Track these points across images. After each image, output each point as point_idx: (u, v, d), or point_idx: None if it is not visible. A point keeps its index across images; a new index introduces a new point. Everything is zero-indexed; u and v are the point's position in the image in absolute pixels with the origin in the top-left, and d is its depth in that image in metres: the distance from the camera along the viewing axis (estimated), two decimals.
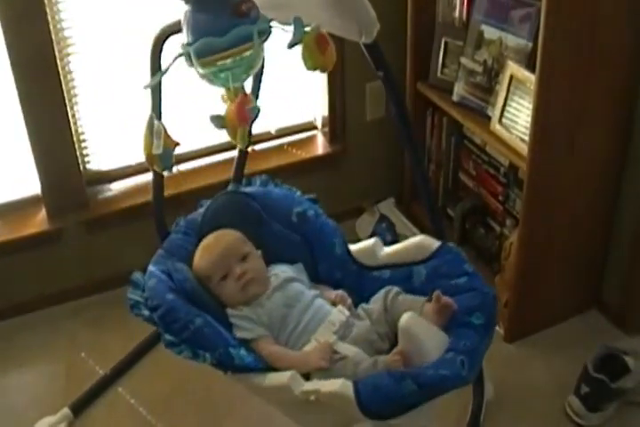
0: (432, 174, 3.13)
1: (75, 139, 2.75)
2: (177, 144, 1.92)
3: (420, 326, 1.82)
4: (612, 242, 2.75)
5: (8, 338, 2.83)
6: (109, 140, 2.85)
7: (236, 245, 2.06)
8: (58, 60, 2.58)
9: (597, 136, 2.49)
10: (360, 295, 2.08)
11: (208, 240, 2.09)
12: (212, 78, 1.85)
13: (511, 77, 2.52)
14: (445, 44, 2.82)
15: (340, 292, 2.06)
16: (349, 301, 2.04)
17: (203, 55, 1.79)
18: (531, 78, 2.39)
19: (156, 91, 2.08)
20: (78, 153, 2.79)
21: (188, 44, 1.82)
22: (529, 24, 2.46)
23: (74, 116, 2.73)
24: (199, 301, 1.97)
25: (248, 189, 2.24)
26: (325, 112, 3.13)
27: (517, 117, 2.52)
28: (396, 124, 2.13)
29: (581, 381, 2.45)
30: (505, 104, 2.56)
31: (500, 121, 2.58)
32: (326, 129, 3.17)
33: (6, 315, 2.89)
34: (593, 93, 2.39)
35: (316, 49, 1.83)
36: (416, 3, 2.84)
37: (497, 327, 2.77)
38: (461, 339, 1.83)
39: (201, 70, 1.82)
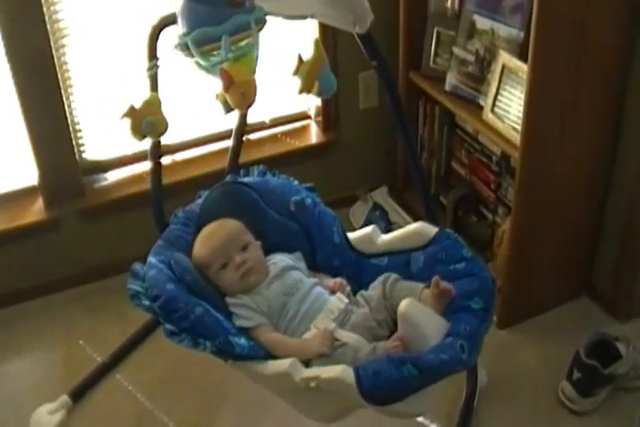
0: (425, 163, 3.14)
1: (70, 129, 2.76)
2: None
3: (420, 312, 1.81)
4: (602, 229, 2.77)
5: (7, 326, 2.85)
6: (105, 129, 2.86)
7: (237, 234, 2.07)
8: (54, 51, 2.59)
9: (589, 125, 2.51)
10: (359, 283, 2.08)
11: (209, 228, 2.10)
12: (208, 68, 1.87)
13: (503, 67, 2.53)
14: (438, 33, 2.83)
15: (338, 280, 2.06)
16: (348, 288, 2.04)
17: (200, 45, 1.80)
18: (523, 68, 2.41)
19: (154, 79, 2.09)
20: (74, 143, 2.80)
21: (185, 35, 1.84)
22: (521, 14, 2.48)
23: (69, 106, 2.74)
24: (199, 290, 1.97)
25: (246, 179, 2.25)
26: (319, 101, 3.15)
27: (509, 107, 2.54)
28: (389, 113, 2.15)
29: (573, 366, 2.47)
30: (497, 93, 2.57)
31: (492, 110, 2.60)
32: (320, 118, 3.19)
33: (4, 303, 2.91)
34: (584, 82, 2.41)
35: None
36: None
37: None
38: (461, 323, 1.83)
39: (198, 60, 1.84)
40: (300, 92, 1.95)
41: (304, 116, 3.23)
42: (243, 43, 1.83)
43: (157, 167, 2.29)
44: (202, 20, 1.82)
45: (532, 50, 2.29)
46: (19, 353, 2.79)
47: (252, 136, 3.08)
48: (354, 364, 1.76)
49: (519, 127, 2.45)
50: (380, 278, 2.01)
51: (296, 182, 2.26)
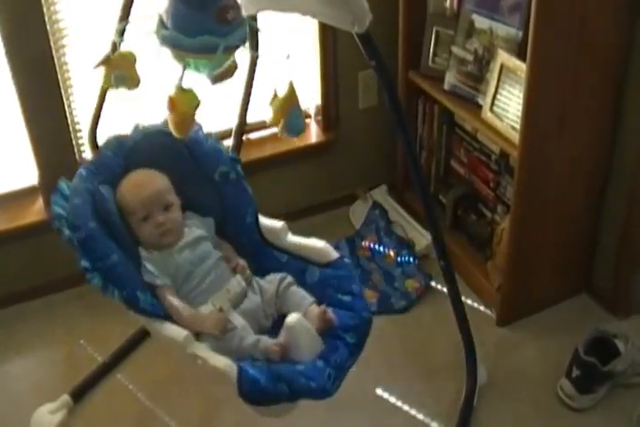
0: (424, 162, 3.15)
1: (70, 128, 2.77)
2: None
3: (303, 330, 1.98)
4: (601, 227, 2.78)
5: (7, 326, 2.85)
6: (105, 129, 2.85)
7: (164, 192, 2.18)
8: (53, 52, 2.60)
9: (587, 124, 2.52)
10: (257, 266, 2.23)
11: (139, 176, 2.20)
12: (182, 62, 1.91)
13: (502, 66, 2.54)
14: (437, 33, 2.84)
15: (242, 262, 2.20)
16: (248, 272, 2.18)
17: (171, 46, 1.85)
18: (521, 67, 2.42)
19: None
20: (74, 143, 2.81)
21: (164, 27, 1.87)
22: (519, 13, 2.48)
23: (69, 106, 2.74)
24: (117, 234, 2.10)
25: None
26: (319, 101, 3.15)
27: (508, 105, 2.55)
28: (388, 112, 2.15)
29: (573, 364, 2.48)
30: (496, 92, 2.58)
31: (491, 109, 2.60)
32: (319, 117, 3.20)
33: (5, 303, 2.91)
34: (583, 82, 2.42)
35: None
36: None
37: (489, 311, 2.82)
38: (334, 352, 1.99)
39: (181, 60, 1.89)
40: (270, 124, 2.11)
41: (304, 115, 3.23)
42: (207, 61, 1.88)
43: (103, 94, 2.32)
44: (179, 25, 1.87)
45: (530, 49, 2.30)
46: (19, 353, 2.79)
47: (252, 135, 3.08)
48: (237, 351, 1.96)
49: (518, 126, 2.45)
50: (278, 277, 2.16)
51: (224, 150, 2.34)
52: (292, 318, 1.98)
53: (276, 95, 2.06)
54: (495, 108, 2.59)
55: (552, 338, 2.74)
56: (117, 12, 2.12)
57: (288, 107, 2.10)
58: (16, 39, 2.53)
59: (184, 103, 1.94)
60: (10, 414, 2.57)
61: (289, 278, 2.15)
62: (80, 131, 2.82)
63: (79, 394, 2.58)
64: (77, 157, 2.84)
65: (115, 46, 2.12)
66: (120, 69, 2.06)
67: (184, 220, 2.21)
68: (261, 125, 3.11)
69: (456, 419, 2.47)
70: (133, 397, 2.61)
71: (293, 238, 2.26)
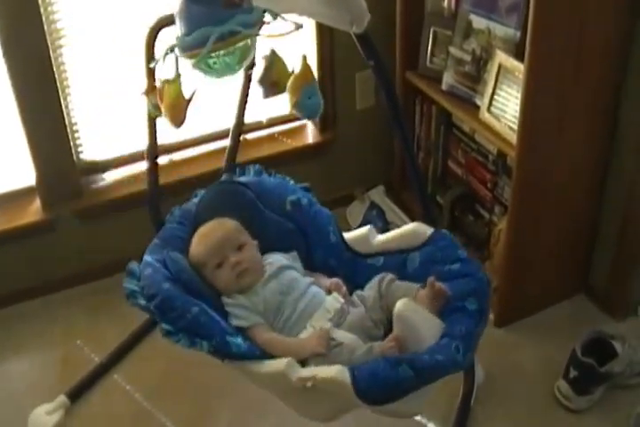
0: (421, 162, 3.14)
1: (68, 129, 2.77)
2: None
3: (415, 313, 1.83)
4: (599, 228, 2.78)
5: (4, 326, 2.85)
6: (102, 130, 2.86)
7: (234, 233, 2.08)
8: (51, 52, 2.59)
9: (585, 124, 2.51)
10: (355, 283, 2.09)
11: (206, 227, 2.10)
12: (205, 69, 1.88)
13: (499, 66, 2.54)
14: (434, 33, 2.83)
15: (334, 279, 2.07)
16: (344, 288, 2.04)
17: (198, 45, 1.82)
18: (519, 67, 2.42)
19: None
20: (72, 143, 2.81)
21: (185, 35, 1.85)
22: (517, 14, 2.48)
23: (67, 106, 2.74)
24: (195, 289, 1.98)
25: (242, 179, 2.25)
26: None
27: (506, 106, 2.55)
28: (386, 113, 2.15)
29: (570, 365, 2.48)
30: (493, 93, 2.58)
31: (488, 109, 2.60)
32: (317, 118, 3.19)
33: (2, 303, 2.91)
34: (581, 82, 2.41)
35: None
36: None
37: None
38: (456, 324, 1.84)
39: (194, 61, 1.85)
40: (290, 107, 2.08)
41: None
42: (241, 44, 1.85)
43: (154, 167, 2.29)
44: (198, 22, 1.84)
45: (528, 49, 2.29)
46: (17, 353, 2.79)
47: (250, 136, 3.08)
48: (350, 364, 1.76)
49: (515, 126, 2.45)
50: (376, 278, 2.02)
51: (292, 182, 2.27)
52: (399, 304, 1.82)
53: (292, 72, 1.98)
54: (493, 109, 2.59)
55: (549, 339, 2.74)
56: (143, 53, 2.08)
57: (300, 85, 2.03)
58: (13, 39, 2.52)
59: (169, 94, 1.93)
60: (7, 414, 2.56)
61: (389, 276, 2.02)
62: (77, 131, 2.82)
63: (76, 394, 2.58)
64: (75, 157, 2.84)
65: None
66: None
67: (264, 260, 2.09)
68: (258, 126, 3.12)
69: (453, 420, 2.47)
70: (130, 397, 2.60)
71: (382, 237, 2.16)
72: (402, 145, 2.20)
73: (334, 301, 1.99)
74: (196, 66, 1.88)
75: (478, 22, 2.63)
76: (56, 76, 2.65)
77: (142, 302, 1.94)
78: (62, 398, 2.54)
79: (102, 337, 2.79)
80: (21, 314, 2.91)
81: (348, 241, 2.18)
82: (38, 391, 2.61)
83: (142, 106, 2.11)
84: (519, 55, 2.42)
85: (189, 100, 1.97)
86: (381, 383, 1.70)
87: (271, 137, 3.16)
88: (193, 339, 1.86)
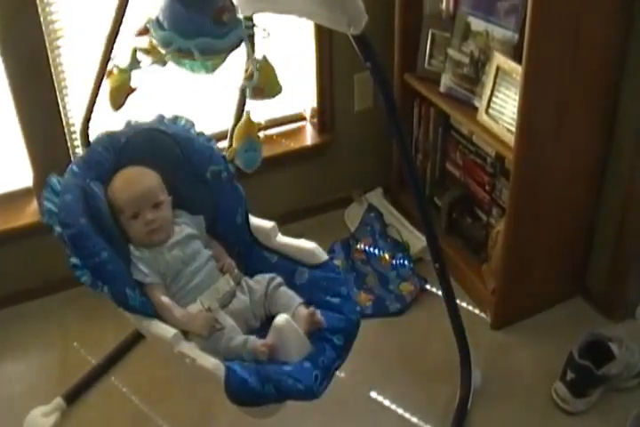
0: (419, 164, 3.15)
1: (65, 130, 2.76)
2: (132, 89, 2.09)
3: (291, 332, 1.99)
4: (596, 230, 2.78)
5: (1, 328, 2.85)
6: (100, 130, 2.85)
7: (155, 190, 2.17)
8: (49, 52, 2.59)
9: (583, 126, 2.52)
10: (246, 266, 2.24)
11: (130, 173, 2.19)
12: (176, 62, 1.92)
13: (497, 69, 2.54)
14: (433, 35, 2.84)
15: (229, 261, 2.21)
16: (236, 272, 2.19)
17: (167, 46, 1.85)
18: (517, 69, 2.42)
19: None
20: (69, 144, 2.80)
21: (160, 26, 1.86)
22: (515, 16, 2.48)
23: (64, 107, 2.74)
24: (108, 231, 2.09)
25: (172, 130, 2.28)
26: (314, 103, 3.15)
27: (504, 108, 2.55)
28: (384, 114, 2.15)
29: (567, 367, 2.48)
30: (491, 95, 2.58)
31: (486, 111, 2.60)
32: (315, 120, 3.19)
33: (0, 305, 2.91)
34: (578, 84, 2.42)
35: None
36: None
37: (484, 314, 2.82)
38: (321, 354, 2.01)
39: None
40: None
41: (299, 117, 3.23)
42: (208, 62, 1.90)
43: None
44: (177, 26, 1.86)
45: (526, 51, 2.30)
46: (13, 355, 2.78)
47: None
48: (225, 351, 1.97)
49: (514, 129, 2.45)
50: (267, 277, 2.17)
51: (216, 148, 2.33)
52: (281, 318, 1.98)
53: (237, 122, 2.12)
54: (491, 111, 2.59)
55: (547, 341, 2.74)
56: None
57: (241, 136, 2.15)
58: (11, 39, 2.52)
59: (115, 80, 2.05)
60: (3, 416, 2.56)
61: (278, 279, 2.15)
62: (75, 132, 2.81)
63: (73, 397, 2.57)
64: (72, 158, 2.83)
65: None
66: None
67: (174, 218, 2.21)
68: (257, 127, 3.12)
69: (450, 422, 2.46)
70: (127, 399, 2.60)
71: (283, 239, 2.26)
72: (400, 147, 2.20)
73: (225, 283, 2.13)
74: (167, 57, 1.92)
75: (477, 24, 2.63)
76: (54, 76, 2.65)
77: (58, 228, 2.04)
78: (59, 401, 2.53)
79: (99, 339, 2.78)
80: (18, 316, 2.90)
81: (252, 226, 2.28)
82: (34, 393, 2.61)
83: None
84: (517, 57, 2.42)
85: (134, 89, 2.07)
86: (249, 392, 1.88)
87: (269, 138, 3.15)
88: (95, 280, 2.00)
